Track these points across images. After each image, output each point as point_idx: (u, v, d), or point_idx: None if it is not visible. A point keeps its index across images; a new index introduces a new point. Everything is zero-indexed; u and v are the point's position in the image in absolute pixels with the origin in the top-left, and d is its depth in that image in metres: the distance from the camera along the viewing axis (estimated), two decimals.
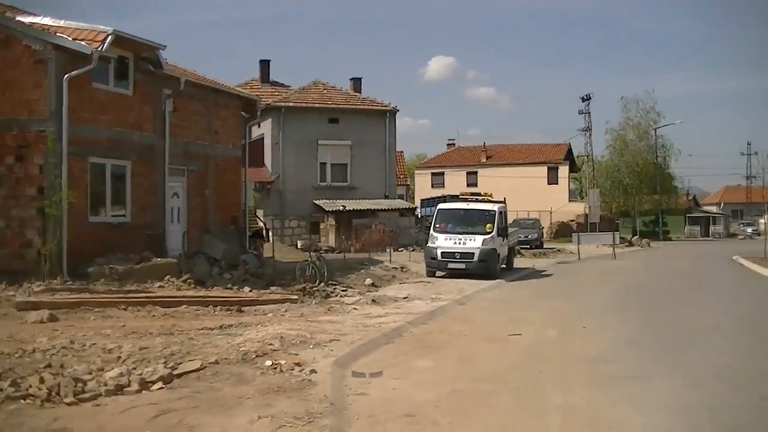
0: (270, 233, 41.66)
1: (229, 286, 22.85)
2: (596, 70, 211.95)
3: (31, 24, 23.09)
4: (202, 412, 8.95)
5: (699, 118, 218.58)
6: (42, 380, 9.81)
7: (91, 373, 10.44)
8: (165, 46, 25.73)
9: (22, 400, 9.14)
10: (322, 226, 48.18)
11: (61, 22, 23.56)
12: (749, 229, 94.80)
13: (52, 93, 21.99)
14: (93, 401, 9.29)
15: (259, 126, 46.33)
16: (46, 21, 23.72)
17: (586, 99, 79.88)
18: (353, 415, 9.35)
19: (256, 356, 12.18)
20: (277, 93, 51.55)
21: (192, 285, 22.33)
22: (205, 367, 11.20)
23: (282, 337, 14.09)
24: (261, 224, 40.59)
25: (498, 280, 29.83)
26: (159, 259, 23.84)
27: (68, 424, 8.35)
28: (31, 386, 9.59)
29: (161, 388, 10.07)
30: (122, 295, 19.36)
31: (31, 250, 22.01)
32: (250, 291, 21.99)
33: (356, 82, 56.26)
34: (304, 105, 49.15)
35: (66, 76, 21.92)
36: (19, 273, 21.30)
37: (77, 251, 22.20)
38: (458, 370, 12.49)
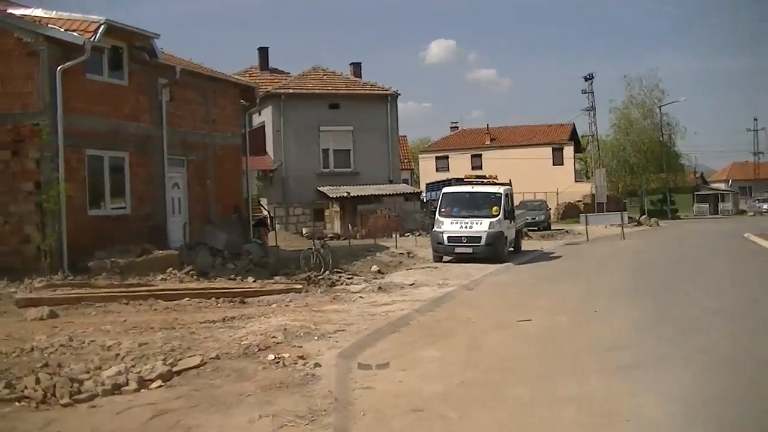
0: (274, 221, 41.36)
1: (232, 276, 22.56)
2: (597, 49, 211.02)
3: (23, 16, 22.79)
4: (200, 411, 8.62)
5: (703, 96, 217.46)
6: (38, 381, 9.58)
7: (88, 372, 10.20)
8: (159, 35, 25.43)
9: (16, 403, 8.89)
10: (326, 213, 47.85)
11: (53, 13, 23.27)
12: (765, 206, 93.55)
13: (46, 85, 21.68)
14: (89, 402, 9.01)
15: (260, 114, 46.17)
16: (38, 12, 23.42)
17: (589, 78, 79.50)
18: (359, 411, 8.99)
19: (259, 350, 11.86)
20: (276, 80, 51.13)
21: (194, 277, 22.05)
22: (206, 363, 10.89)
23: (285, 328, 13.77)
24: (265, 213, 40.31)
25: (506, 263, 29.53)
26: (160, 252, 23.54)
27: (61, 427, 8.06)
28: (26, 387, 9.37)
29: (160, 386, 9.77)
30: (123, 289, 19.10)
31: (30, 246, 21.73)
32: (254, 281, 21.70)
33: (356, 67, 55.78)
34: (304, 91, 48.66)
35: (59, 67, 21.62)
36: (20, 269, 21.03)
37: (77, 245, 21.92)
38: (467, 359, 12.15)
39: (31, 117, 21.75)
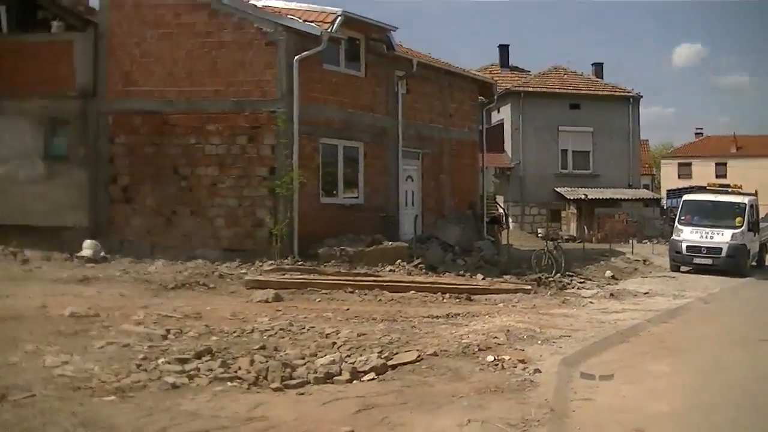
0: (509, 220, 40.96)
1: (461, 272, 22.24)
2: None
3: (264, 7, 23.45)
4: (408, 409, 8.24)
5: None
6: (252, 363, 9.64)
7: (303, 359, 10.14)
8: (396, 28, 25.64)
9: (229, 383, 8.95)
10: (563, 214, 47.21)
11: (292, 4, 23.98)
12: None
13: (283, 74, 22.16)
14: (299, 389, 8.89)
15: (499, 111, 45.90)
16: (278, 4, 24.14)
17: None
18: (575, 425, 8.32)
19: (479, 350, 11.39)
20: (516, 78, 50.86)
21: (423, 270, 21.85)
22: (422, 359, 10.53)
23: (509, 330, 13.25)
24: (500, 210, 39.94)
25: (748, 278, 27.91)
26: (390, 243, 23.51)
27: (268, 412, 7.91)
28: (240, 368, 9.44)
29: (372, 379, 9.52)
30: (350, 278, 19.26)
31: (262, 230, 22.27)
32: (482, 279, 21.28)
33: (597, 68, 54.77)
34: (544, 90, 48.08)
35: (296, 57, 22.03)
36: (251, 252, 21.76)
37: (308, 232, 22.28)
38: (699, 378, 11.24)
39: (268, 105, 22.27)
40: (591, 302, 18.86)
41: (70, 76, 23.54)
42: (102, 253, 21.43)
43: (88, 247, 21.43)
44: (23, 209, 23.20)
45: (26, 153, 23.74)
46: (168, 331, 11.79)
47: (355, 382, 9.34)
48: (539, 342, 12.64)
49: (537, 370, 10.31)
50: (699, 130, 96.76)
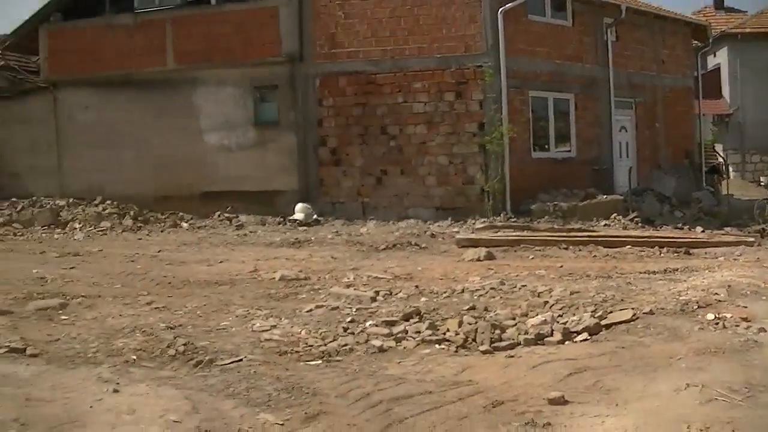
0: (728, 168, 39.37)
1: (679, 225, 21.58)
2: None
3: None
4: (622, 372, 7.77)
5: None
6: (460, 324, 9.41)
7: (513, 319, 9.84)
8: None
9: (436, 345, 8.80)
10: None
11: None
12: None
13: (488, 28, 22.18)
14: (508, 351, 8.57)
15: (715, 55, 43.92)
16: None
17: None
18: None
19: (698, 307, 10.61)
20: (732, 20, 48.08)
21: (639, 224, 21.33)
22: (637, 317, 9.94)
23: (730, 285, 12.35)
24: (720, 159, 38.46)
25: None
26: (605, 196, 23.11)
27: (474, 376, 7.64)
28: (448, 330, 9.26)
29: (585, 340, 9.06)
30: (564, 234, 18.86)
31: (473, 187, 22.42)
32: (702, 231, 20.45)
33: None
34: (763, 30, 45.18)
35: (501, 9, 21.92)
36: (462, 210, 22.01)
37: (519, 188, 22.28)
38: None
39: (473, 59, 22.30)
40: None
41: (276, 42, 24.10)
42: (314, 216, 22.03)
43: (300, 211, 22.05)
44: (236, 175, 24.04)
45: (237, 120, 24.60)
46: (377, 292, 11.78)
47: (566, 343, 8.96)
48: (764, 298, 11.70)
49: (762, 329, 9.52)
50: None
